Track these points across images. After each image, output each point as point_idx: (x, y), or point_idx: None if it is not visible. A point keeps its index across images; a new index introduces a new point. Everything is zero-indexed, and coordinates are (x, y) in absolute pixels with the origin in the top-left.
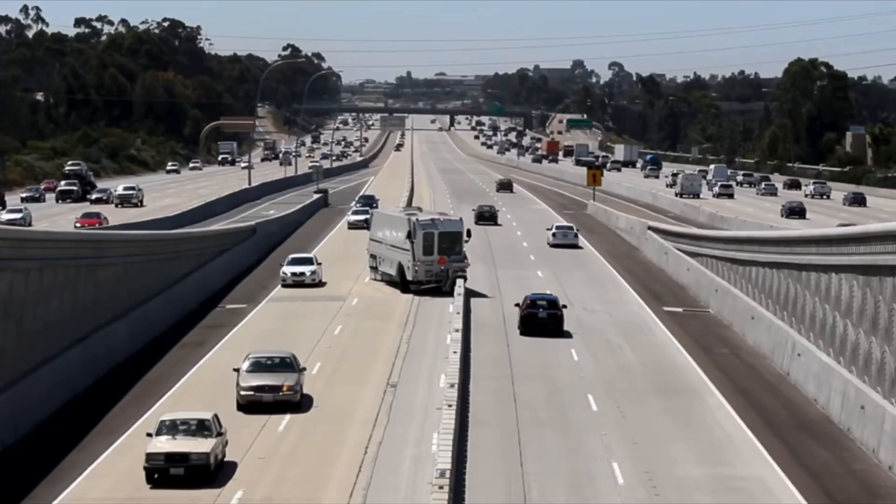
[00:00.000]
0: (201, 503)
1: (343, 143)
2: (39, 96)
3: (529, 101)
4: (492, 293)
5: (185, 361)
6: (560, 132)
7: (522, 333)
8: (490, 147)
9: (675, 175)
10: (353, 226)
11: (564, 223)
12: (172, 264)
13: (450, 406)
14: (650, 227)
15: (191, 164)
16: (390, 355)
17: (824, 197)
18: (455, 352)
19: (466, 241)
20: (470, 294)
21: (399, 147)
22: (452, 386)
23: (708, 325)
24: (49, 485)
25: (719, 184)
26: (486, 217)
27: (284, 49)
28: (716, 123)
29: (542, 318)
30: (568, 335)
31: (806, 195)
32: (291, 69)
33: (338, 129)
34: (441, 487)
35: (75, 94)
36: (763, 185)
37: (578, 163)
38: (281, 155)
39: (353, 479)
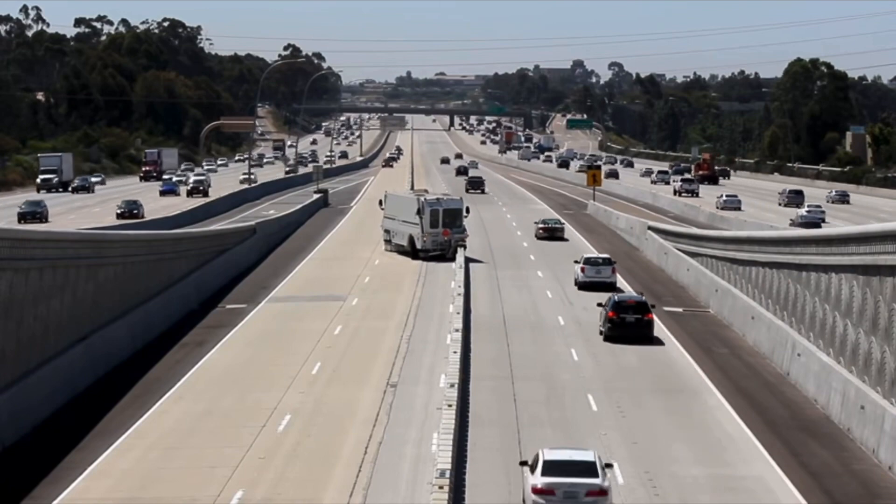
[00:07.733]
0: (201, 503)
1: (308, 158)
2: (40, 96)
3: (529, 101)
4: (491, 293)
5: (185, 361)
6: (552, 131)
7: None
8: (469, 132)
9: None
10: None
11: (471, 159)
12: (172, 264)
13: (450, 406)
14: (650, 227)
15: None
16: (390, 355)
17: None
18: (455, 352)
19: (465, 217)
20: (469, 261)
21: (390, 162)
22: (452, 386)
23: (708, 325)
24: (49, 485)
25: (558, 158)
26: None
27: (284, 49)
28: (716, 123)
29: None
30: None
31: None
32: (291, 69)
33: (314, 141)
34: (441, 487)
35: (76, 93)
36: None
37: (505, 148)
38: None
39: (353, 479)
